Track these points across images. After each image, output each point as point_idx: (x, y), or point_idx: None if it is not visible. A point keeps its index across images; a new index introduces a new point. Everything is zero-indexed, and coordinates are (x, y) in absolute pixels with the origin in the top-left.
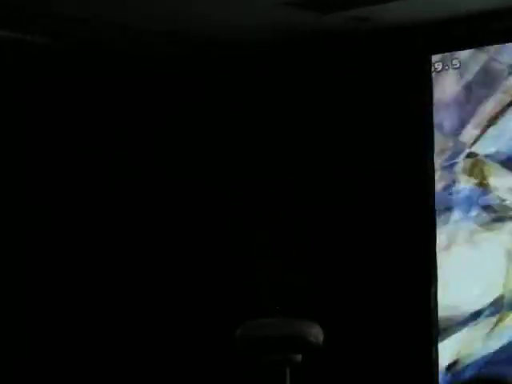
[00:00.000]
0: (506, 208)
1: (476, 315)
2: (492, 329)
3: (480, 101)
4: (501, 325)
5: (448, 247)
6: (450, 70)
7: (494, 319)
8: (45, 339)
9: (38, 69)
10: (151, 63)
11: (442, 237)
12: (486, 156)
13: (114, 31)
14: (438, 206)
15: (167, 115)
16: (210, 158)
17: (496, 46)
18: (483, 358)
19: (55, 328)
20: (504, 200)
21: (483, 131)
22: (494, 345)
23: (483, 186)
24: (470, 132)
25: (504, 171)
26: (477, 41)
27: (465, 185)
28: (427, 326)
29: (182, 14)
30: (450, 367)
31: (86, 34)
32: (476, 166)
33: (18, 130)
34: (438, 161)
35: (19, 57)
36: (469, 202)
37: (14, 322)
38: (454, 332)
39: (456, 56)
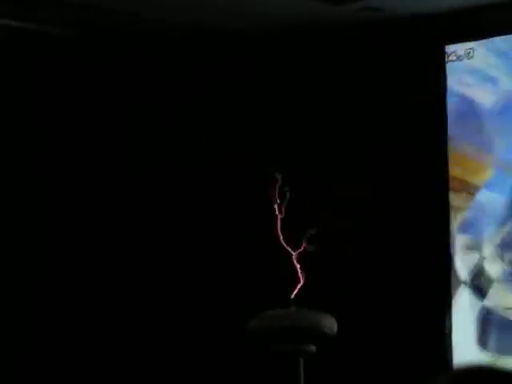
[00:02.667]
0: None
1: None
2: None
3: None
4: None
5: None
6: (464, 60)
7: None
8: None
9: (51, 58)
10: (161, 52)
11: None
12: None
13: (125, 20)
14: None
15: (177, 104)
16: (218, 148)
17: None
18: None
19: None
20: None
21: None
22: None
23: None
24: None
25: None
26: (491, 31)
27: None
28: (442, 316)
29: (194, 2)
30: None
31: (97, 22)
32: None
33: (30, 121)
34: None
35: (31, 47)
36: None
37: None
38: None
39: (470, 46)
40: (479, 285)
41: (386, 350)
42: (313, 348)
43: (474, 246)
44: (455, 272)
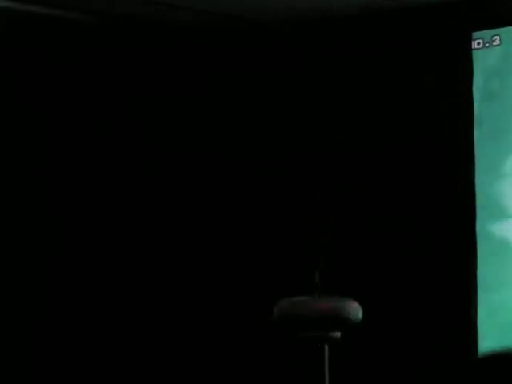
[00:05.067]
0: None
1: None
2: None
3: None
4: None
5: None
6: (491, 47)
7: None
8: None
9: (73, 45)
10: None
11: None
12: None
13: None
14: None
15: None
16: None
17: None
18: None
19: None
20: None
21: None
22: None
23: None
24: None
25: None
26: None
27: None
28: (467, 301)
29: None
30: None
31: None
32: None
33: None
34: None
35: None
36: None
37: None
38: None
39: (497, 33)
40: None
41: (411, 336)
42: (338, 334)
43: None
44: None
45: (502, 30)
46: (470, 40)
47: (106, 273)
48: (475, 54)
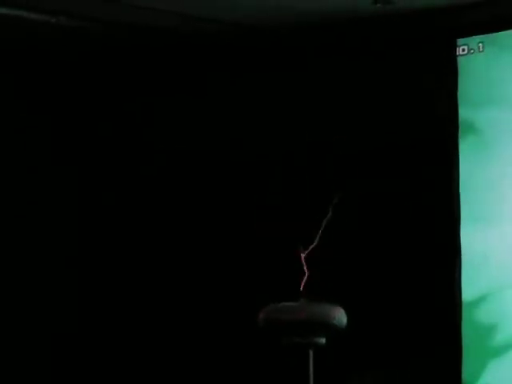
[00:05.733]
0: None
1: None
2: None
3: None
4: None
5: None
6: (476, 54)
7: None
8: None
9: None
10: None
11: None
12: None
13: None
14: None
15: (192, 99)
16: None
17: None
18: None
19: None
20: None
21: None
22: None
23: None
24: None
25: None
26: (502, 25)
27: None
28: (452, 307)
29: None
30: None
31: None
32: None
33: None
34: None
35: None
36: None
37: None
38: None
39: (481, 40)
40: None
41: (396, 342)
42: (322, 340)
43: None
44: None
45: (486, 37)
46: (454, 46)
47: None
48: (460, 61)
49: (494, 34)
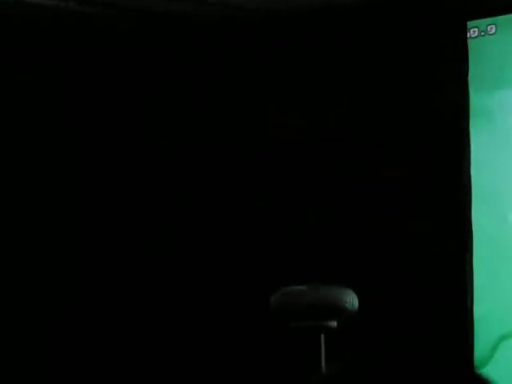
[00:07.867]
0: None
1: None
2: None
3: None
4: None
5: None
6: (486, 36)
7: None
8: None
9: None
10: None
11: None
12: None
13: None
14: None
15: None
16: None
17: None
18: None
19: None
20: None
21: None
22: None
23: None
24: None
25: None
26: None
27: None
28: (463, 288)
29: None
30: None
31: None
32: None
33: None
34: None
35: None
36: None
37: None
38: None
39: (492, 21)
40: None
41: (408, 325)
42: (334, 324)
43: None
44: None
45: (497, 19)
46: (465, 29)
47: (103, 268)
48: (471, 43)
49: (506, 16)
